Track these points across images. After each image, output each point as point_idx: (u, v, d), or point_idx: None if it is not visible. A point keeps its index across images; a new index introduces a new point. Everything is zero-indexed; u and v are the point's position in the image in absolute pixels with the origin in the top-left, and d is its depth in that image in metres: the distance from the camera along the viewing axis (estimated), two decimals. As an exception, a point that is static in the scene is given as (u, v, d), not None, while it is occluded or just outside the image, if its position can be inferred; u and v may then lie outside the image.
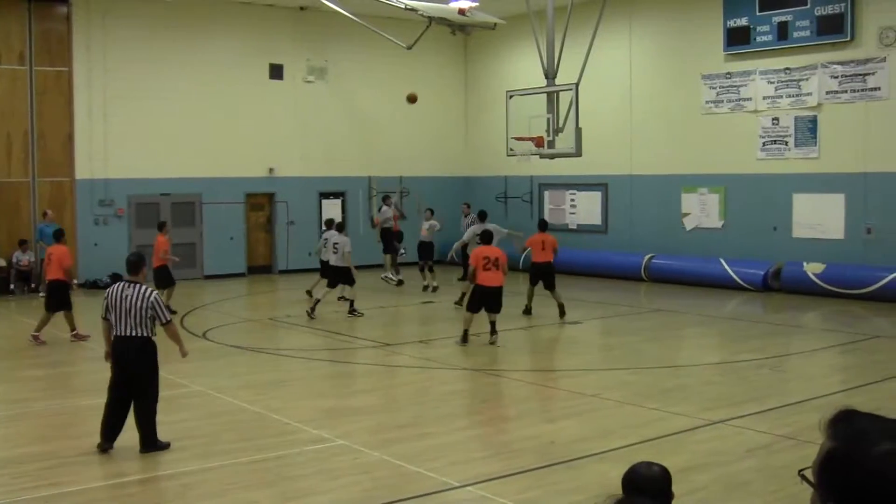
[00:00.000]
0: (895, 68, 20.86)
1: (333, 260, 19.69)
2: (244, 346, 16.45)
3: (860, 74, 21.36)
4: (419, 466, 9.09)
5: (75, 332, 16.76)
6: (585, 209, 27.69)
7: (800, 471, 1.96)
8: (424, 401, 12.33)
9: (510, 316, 19.64)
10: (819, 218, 22.24)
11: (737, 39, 23.53)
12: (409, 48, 21.81)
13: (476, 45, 30.39)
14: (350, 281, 19.51)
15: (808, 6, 21.98)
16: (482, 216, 22.02)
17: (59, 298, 16.65)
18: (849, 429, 1.89)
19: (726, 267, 23.17)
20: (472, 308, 15.98)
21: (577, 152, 19.84)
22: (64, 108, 24.76)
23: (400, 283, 23.98)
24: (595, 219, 27.44)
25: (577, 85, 19.58)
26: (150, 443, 9.64)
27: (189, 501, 8.32)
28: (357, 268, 20.02)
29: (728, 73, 23.90)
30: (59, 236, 17.41)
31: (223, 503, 8.27)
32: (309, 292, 21.28)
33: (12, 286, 23.67)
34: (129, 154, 25.42)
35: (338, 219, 24.21)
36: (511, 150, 20.86)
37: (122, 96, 25.23)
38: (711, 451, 9.58)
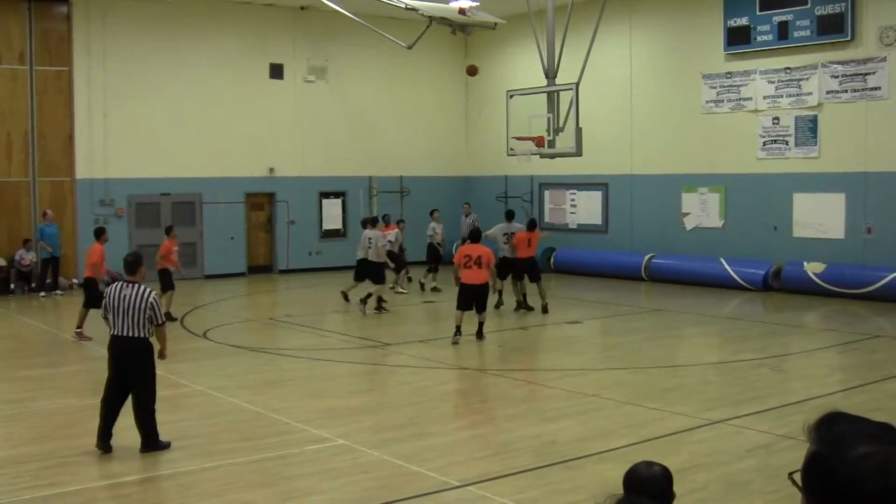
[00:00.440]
0: (895, 68, 20.85)
1: (369, 255, 20.04)
2: (244, 345, 16.44)
3: (860, 74, 21.35)
4: (419, 466, 9.08)
5: (79, 330, 16.73)
6: (586, 209, 27.68)
7: (790, 474, 1.98)
8: (424, 400, 12.32)
9: (511, 316, 19.64)
10: (819, 218, 22.23)
11: (737, 39, 23.51)
12: (410, 48, 21.81)
13: (476, 44, 30.37)
14: (379, 278, 19.73)
15: (809, 6, 21.97)
16: (510, 216, 21.47)
17: (87, 295, 16.84)
18: (829, 433, 1.91)
19: (726, 267, 23.16)
20: (461, 306, 16.14)
21: (578, 152, 19.83)
22: (64, 107, 24.76)
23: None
24: (595, 218, 27.43)
25: (577, 84, 19.57)
26: (151, 442, 9.64)
27: (188, 501, 8.32)
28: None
29: (728, 73, 23.88)
30: (97, 234, 17.50)
31: (222, 503, 8.27)
32: (344, 294, 21.13)
33: (12, 286, 23.66)
34: (130, 154, 25.41)
35: (375, 215, 23.97)
36: (511, 149, 20.85)
37: (122, 96, 25.22)
38: (711, 451, 9.57)
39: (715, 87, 24.21)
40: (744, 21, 23.33)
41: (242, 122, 27.08)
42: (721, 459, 9.29)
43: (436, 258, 23.95)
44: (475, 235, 16.80)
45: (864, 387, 12.64)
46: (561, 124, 19.89)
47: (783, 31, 22.55)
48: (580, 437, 10.25)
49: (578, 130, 19.55)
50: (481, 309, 16.18)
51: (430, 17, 20.29)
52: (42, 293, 23.32)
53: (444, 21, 20.55)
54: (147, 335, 9.72)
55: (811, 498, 1.90)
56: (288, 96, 27.97)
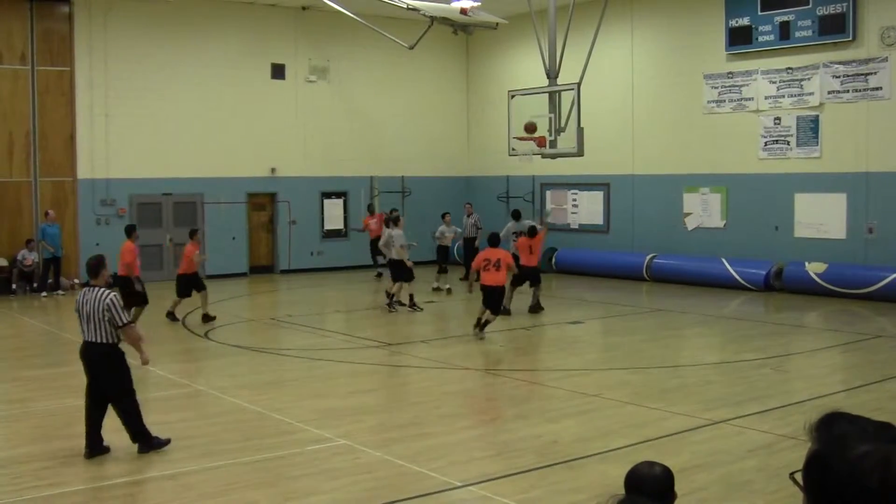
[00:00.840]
0: (897, 68, 20.86)
1: (391, 254, 20.30)
2: (246, 346, 16.44)
3: (862, 74, 21.34)
4: (420, 466, 9.08)
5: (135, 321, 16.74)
6: (587, 209, 27.68)
7: (791, 474, 1.99)
8: (425, 400, 12.32)
9: (512, 316, 19.64)
10: (821, 218, 22.23)
11: (739, 39, 23.51)
12: (411, 48, 21.80)
13: (478, 44, 30.37)
14: (403, 276, 19.93)
15: (810, 6, 21.96)
16: (516, 215, 22.21)
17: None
18: (829, 432, 1.92)
19: (728, 267, 23.15)
20: (485, 304, 16.91)
21: (579, 152, 19.81)
22: (66, 107, 24.78)
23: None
24: (597, 218, 27.42)
25: (578, 85, 19.55)
26: (145, 442, 9.58)
27: (190, 501, 8.32)
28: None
29: (730, 73, 23.88)
30: (128, 232, 17.52)
31: (224, 503, 8.27)
32: (388, 293, 21.07)
33: (14, 286, 23.67)
34: (131, 154, 25.43)
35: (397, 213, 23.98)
36: (513, 149, 20.83)
37: (123, 96, 25.23)
38: (712, 451, 9.57)
39: (716, 88, 24.20)
40: (745, 21, 23.32)
41: (244, 123, 27.09)
42: (722, 459, 9.29)
43: (445, 259, 24.04)
44: (494, 240, 17.39)
45: (865, 387, 12.64)
46: (562, 124, 19.87)
47: (785, 31, 22.55)
48: (582, 437, 10.25)
49: (580, 131, 19.53)
50: (495, 311, 16.71)
51: (431, 17, 20.28)
52: (44, 293, 23.34)
53: (445, 21, 20.55)
54: (113, 340, 9.49)
55: (812, 497, 1.91)
56: (289, 96, 27.98)
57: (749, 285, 22.60)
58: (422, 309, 20.06)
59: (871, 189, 21.36)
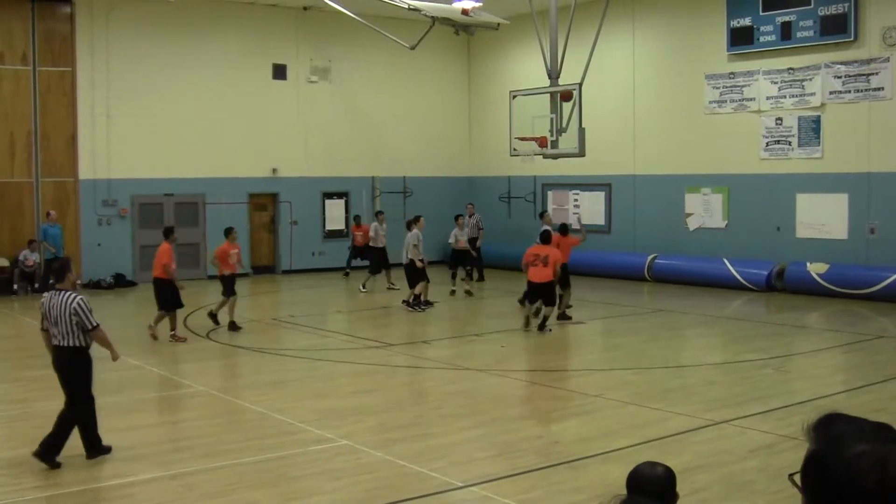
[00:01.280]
0: (899, 68, 20.85)
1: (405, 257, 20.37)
2: (247, 346, 16.44)
3: (863, 74, 21.34)
4: (422, 466, 9.08)
5: (173, 332, 16.55)
6: (589, 209, 27.66)
7: (790, 475, 1.99)
8: (427, 401, 12.32)
9: (514, 316, 19.65)
10: (822, 218, 22.22)
11: (740, 39, 23.50)
12: (413, 48, 21.79)
13: (479, 45, 30.37)
14: (413, 277, 20.03)
15: (812, 6, 21.95)
16: (542, 216, 21.92)
17: (162, 297, 16.62)
18: (827, 433, 1.92)
19: (730, 267, 23.14)
20: (525, 300, 17.74)
21: (581, 152, 19.81)
22: (67, 108, 24.79)
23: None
24: (598, 219, 27.40)
25: (580, 85, 19.56)
26: (93, 448, 9.42)
27: (191, 501, 8.32)
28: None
29: (731, 73, 23.87)
30: (166, 234, 17.19)
31: (226, 503, 8.27)
32: (410, 298, 21.04)
33: (16, 286, 23.68)
34: (133, 154, 25.45)
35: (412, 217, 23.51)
36: (514, 150, 20.84)
37: (125, 96, 25.25)
38: (714, 451, 9.57)
39: (718, 88, 24.20)
40: (747, 21, 23.31)
41: (245, 123, 27.10)
42: (724, 460, 9.29)
43: (463, 261, 23.21)
44: (546, 236, 17.62)
45: (867, 387, 12.63)
46: (564, 125, 19.87)
47: (786, 31, 22.54)
48: (583, 437, 10.25)
49: (581, 131, 19.53)
50: (547, 303, 17.15)
51: (432, 17, 20.27)
52: (45, 294, 23.29)
53: (446, 21, 20.54)
54: (80, 344, 9.33)
55: (810, 498, 1.91)
56: (291, 97, 27.99)
57: (751, 286, 22.60)
58: (423, 310, 20.05)
59: (873, 189, 21.35)
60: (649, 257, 25.12)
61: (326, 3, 22.81)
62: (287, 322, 19.33)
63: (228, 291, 17.77)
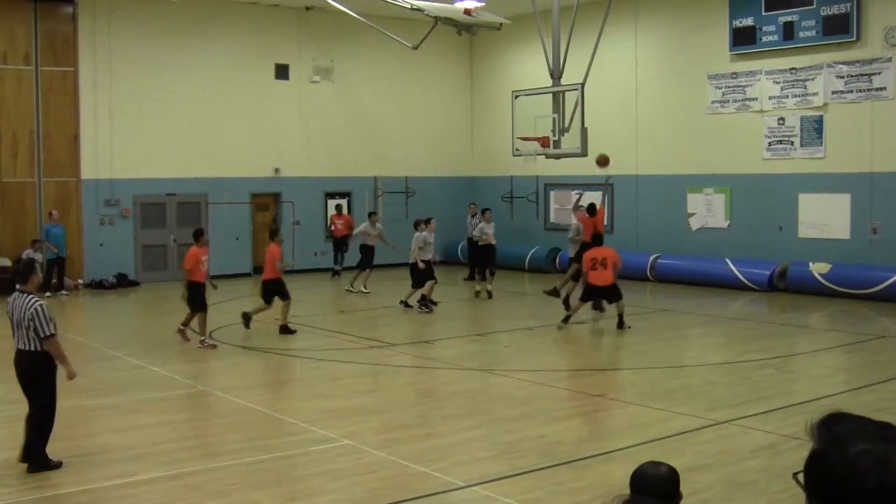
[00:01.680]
0: (901, 68, 20.84)
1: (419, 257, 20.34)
2: (249, 346, 16.44)
3: (866, 74, 21.32)
4: (424, 466, 9.08)
5: (202, 338, 16.10)
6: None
7: (794, 474, 2.00)
8: (429, 401, 12.33)
9: (517, 316, 19.66)
10: (825, 218, 22.21)
11: (742, 39, 23.49)
12: (415, 48, 21.78)
13: (481, 45, 30.37)
14: (418, 278, 20.10)
15: (814, 6, 21.94)
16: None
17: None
18: (829, 431, 1.93)
19: (732, 267, 23.14)
20: (584, 298, 17.71)
21: (583, 152, 19.80)
22: (69, 108, 24.81)
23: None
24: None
25: (582, 85, 19.54)
26: (36, 461, 9.10)
27: (194, 501, 8.32)
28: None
29: (734, 73, 23.86)
30: (196, 236, 16.76)
31: (228, 503, 8.27)
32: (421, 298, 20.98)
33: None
34: (135, 154, 25.46)
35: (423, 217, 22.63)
36: (517, 150, 20.82)
37: (127, 96, 25.27)
38: (716, 451, 9.56)
39: (720, 88, 24.19)
40: (749, 21, 23.30)
41: (248, 123, 27.11)
42: (726, 460, 9.29)
43: (483, 261, 22.41)
44: (599, 239, 17.79)
45: (869, 387, 12.62)
46: (566, 125, 19.86)
47: (788, 31, 22.53)
48: (585, 437, 10.25)
49: (584, 131, 19.52)
50: (617, 299, 17.27)
51: (435, 17, 20.27)
52: (47, 294, 23.33)
53: (449, 21, 20.53)
54: (38, 348, 9.04)
55: (812, 496, 1.92)
56: (293, 97, 28.00)
57: (753, 285, 22.59)
58: (429, 310, 20.00)
59: (875, 189, 21.33)
60: (651, 257, 25.11)
61: (329, 3, 22.80)
62: (289, 322, 19.30)
63: (284, 295, 17.22)
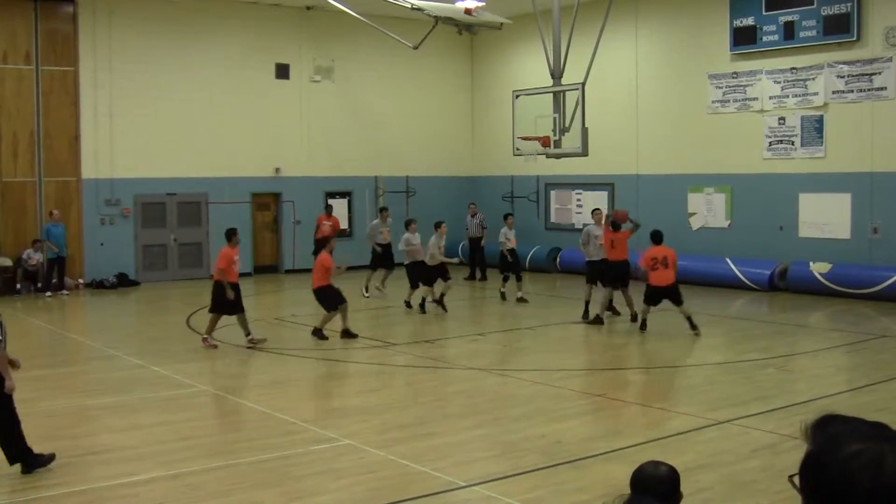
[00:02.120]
0: (902, 68, 20.83)
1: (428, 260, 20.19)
2: (250, 345, 16.43)
3: (866, 74, 21.32)
4: (425, 466, 9.08)
5: (205, 337, 16.13)
6: (591, 209, 27.58)
7: (790, 476, 2.00)
8: (430, 400, 12.32)
9: (518, 316, 19.66)
10: (825, 217, 22.20)
11: (743, 39, 23.48)
12: (416, 48, 21.80)
13: (482, 44, 30.38)
14: (411, 279, 20.13)
15: (815, 6, 21.93)
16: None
17: (212, 299, 16.26)
18: (823, 433, 1.94)
19: (732, 266, 23.13)
20: (648, 301, 16.97)
21: (584, 152, 19.80)
22: (70, 107, 24.80)
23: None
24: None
25: (583, 84, 19.55)
26: (25, 461, 8.97)
27: (194, 501, 8.32)
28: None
29: (734, 73, 23.86)
30: (228, 236, 16.34)
31: (229, 503, 8.27)
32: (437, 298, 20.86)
33: (18, 286, 23.69)
34: (135, 154, 25.46)
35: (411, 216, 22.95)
36: (517, 149, 20.83)
37: (128, 96, 25.27)
38: (717, 451, 9.56)
39: (721, 87, 24.18)
40: (750, 21, 23.29)
41: (248, 122, 27.11)
42: (727, 459, 9.29)
43: (508, 266, 21.81)
44: (658, 236, 17.09)
45: (870, 387, 12.62)
46: (567, 124, 19.87)
47: (789, 31, 22.52)
48: (586, 436, 10.24)
49: (584, 130, 19.53)
50: (678, 303, 16.76)
51: (435, 17, 20.28)
52: (48, 293, 23.36)
53: (449, 21, 20.55)
54: None
55: (808, 498, 1.92)
56: (294, 96, 28.00)
57: (753, 285, 22.58)
58: (422, 312, 19.96)
59: (876, 189, 21.33)
60: (652, 257, 25.06)
61: (329, 3, 22.81)
62: (290, 321, 19.32)
63: (339, 300, 16.79)
